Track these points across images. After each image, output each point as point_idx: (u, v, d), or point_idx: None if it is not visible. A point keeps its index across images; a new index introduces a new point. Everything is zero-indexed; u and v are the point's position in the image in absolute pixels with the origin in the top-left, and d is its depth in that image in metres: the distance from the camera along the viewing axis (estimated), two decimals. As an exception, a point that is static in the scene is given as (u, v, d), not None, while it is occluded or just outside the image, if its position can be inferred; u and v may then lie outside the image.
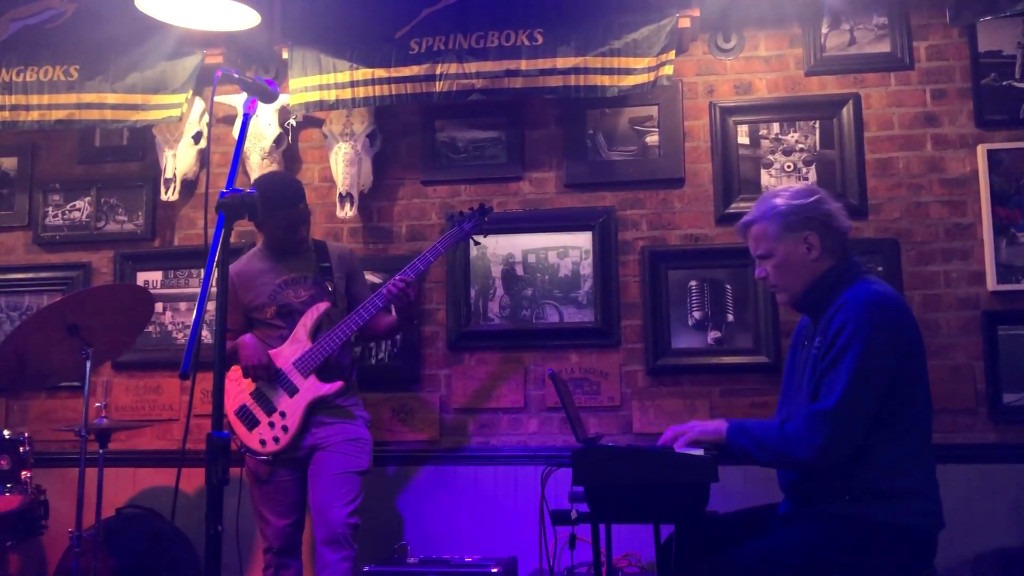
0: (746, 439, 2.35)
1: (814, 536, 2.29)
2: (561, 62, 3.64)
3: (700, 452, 2.43)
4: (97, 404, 3.57)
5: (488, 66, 3.69)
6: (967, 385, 3.57)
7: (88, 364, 3.29)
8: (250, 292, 3.29)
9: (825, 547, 2.26)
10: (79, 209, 4.22)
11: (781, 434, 2.30)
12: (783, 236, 2.42)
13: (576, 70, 3.64)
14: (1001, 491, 3.47)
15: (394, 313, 3.30)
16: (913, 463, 2.30)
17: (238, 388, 3.25)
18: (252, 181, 3.89)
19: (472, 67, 3.69)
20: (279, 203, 3.21)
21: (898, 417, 2.29)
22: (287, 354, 3.22)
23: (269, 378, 3.18)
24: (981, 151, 3.65)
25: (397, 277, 3.19)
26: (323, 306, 3.26)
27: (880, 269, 3.65)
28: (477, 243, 3.50)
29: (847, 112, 3.74)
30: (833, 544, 2.26)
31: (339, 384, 3.21)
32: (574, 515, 2.56)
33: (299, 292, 3.29)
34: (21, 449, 3.50)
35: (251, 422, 3.21)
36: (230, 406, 3.24)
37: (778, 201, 2.44)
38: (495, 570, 3.26)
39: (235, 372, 3.27)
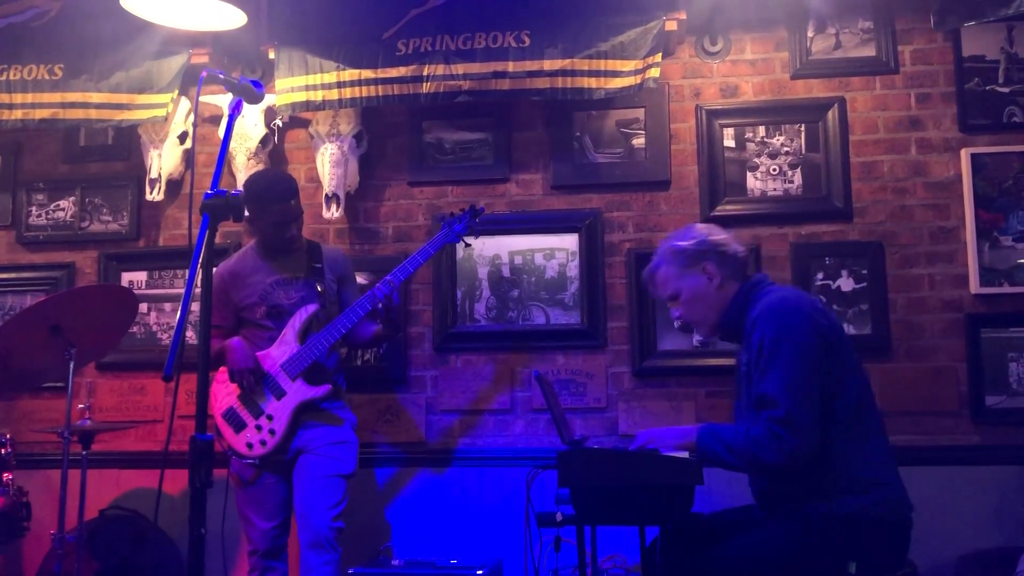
0: (717, 443, 2.40)
1: (791, 534, 2.34)
2: (548, 64, 3.64)
3: (685, 455, 2.44)
4: (80, 405, 3.54)
5: (475, 67, 3.69)
6: (950, 387, 3.60)
7: (71, 365, 3.27)
8: (241, 291, 3.27)
9: (802, 544, 2.32)
10: (63, 209, 4.19)
11: (749, 438, 2.35)
12: (684, 274, 2.58)
13: (563, 72, 3.64)
14: (983, 493, 3.50)
15: (379, 322, 3.26)
16: (869, 453, 2.37)
17: (226, 390, 3.23)
18: (244, 179, 3.88)
19: (459, 68, 3.69)
20: (269, 198, 3.19)
21: (842, 410, 2.35)
22: (275, 356, 3.20)
23: (256, 383, 3.17)
24: (965, 155, 3.67)
25: (382, 282, 3.17)
26: (312, 308, 3.24)
27: (864, 272, 3.67)
28: (468, 244, 3.48)
29: (832, 115, 3.76)
30: (809, 541, 2.32)
31: (327, 388, 3.19)
32: (559, 517, 2.57)
33: (289, 293, 3.26)
34: (3, 450, 3.48)
35: (238, 425, 3.19)
36: (217, 408, 3.22)
37: (671, 244, 2.61)
38: (480, 572, 3.26)
39: (223, 374, 3.25)
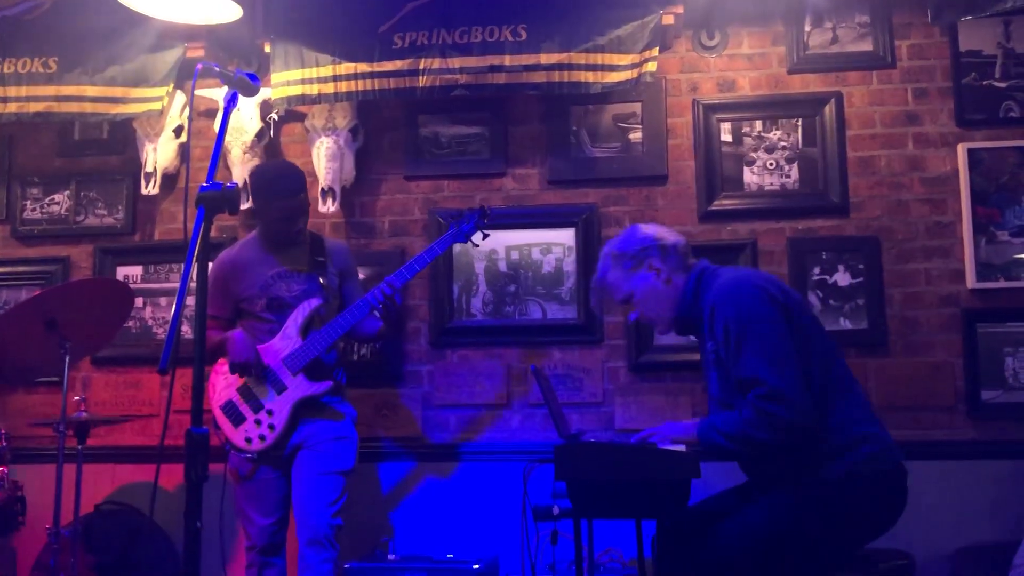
0: (715, 434, 2.42)
1: (788, 506, 2.35)
2: (545, 58, 3.64)
3: (682, 448, 2.44)
4: (75, 399, 3.53)
5: (471, 61, 3.68)
6: (946, 382, 3.60)
7: (67, 359, 3.26)
8: (241, 282, 3.22)
9: (802, 514, 2.33)
10: (58, 203, 4.18)
11: (743, 422, 2.36)
12: (631, 275, 2.63)
13: (560, 66, 3.63)
14: (979, 487, 3.50)
15: (381, 320, 3.23)
16: (849, 410, 2.39)
17: (225, 383, 3.20)
18: (240, 173, 3.87)
19: (455, 62, 3.68)
20: (277, 192, 3.15)
21: (815, 374, 2.37)
22: (276, 350, 3.16)
23: (257, 376, 3.13)
24: (961, 150, 3.67)
25: (385, 282, 3.11)
26: (315, 302, 3.20)
27: (861, 267, 3.67)
28: (476, 245, 3.41)
29: (829, 110, 3.76)
30: (809, 510, 2.33)
31: (328, 384, 3.17)
32: (556, 511, 2.57)
33: (291, 286, 3.22)
34: (-2, 445, 3.47)
35: (237, 419, 3.16)
36: (216, 400, 3.19)
37: (611, 249, 2.68)
38: (476, 567, 3.26)
39: (222, 365, 3.22)
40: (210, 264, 2.45)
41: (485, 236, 3.40)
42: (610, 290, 2.68)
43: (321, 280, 3.25)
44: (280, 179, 3.17)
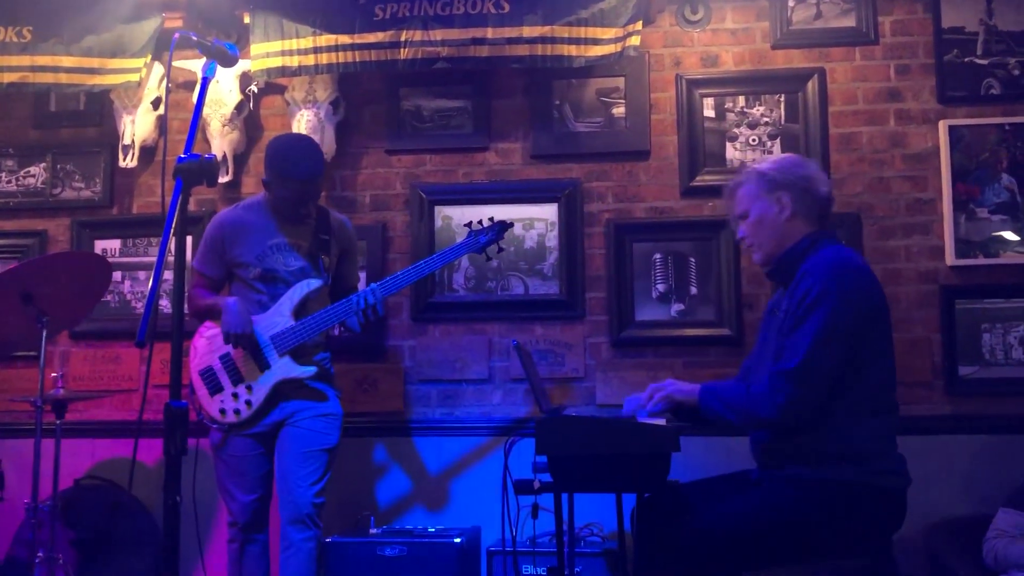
0: (716, 402, 2.42)
1: (784, 497, 2.34)
2: (528, 31, 3.61)
3: (662, 422, 2.46)
4: (53, 374, 3.50)
5: (454, 34, 3.65)
6: (924, 358, 3.63)
7: (44, 333, 3.22)
8: (237, 246, 3.13)
9: (796, 508, 2.32)
10: (34, 175, 4.12)
11: (748, 395, 2.37)
12: (759, 196, 2.52)
13: (543, 39, 3.61)
14: (955, 462, 3.55)
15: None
16: (877, 426, 2.37)
17: (208, 347, 3.13)
18: (219, 145, 3.82)
19: (437, 35, 3.65)
20: (293, 174, 3.02)
21: (863, 381, 2.34)
22: (267, 324, 3.09)
23: (248, 349, 3.06)
24: (943, 127, 3.68)
25: (369, 290, 3.07)
26: (315, 284, 3.12)
27: (842, 243, 3.67)
28: (490, 258, 3.33)
29: (812, 86, 3.76)
30: (803, 505, 2.32)
31: (313, 370, 3.11)
32: (537, 485, 2.57)
33: (288, 261, 3.14)
34: (-25, 420, 3.44)
35: (215, 387, 3.10)
36: (196, 364, 3.13)
37: (761, 166, 2.57)
38: (458, 540, 3.28)
39: (208, 328, 3.16)
40: (188, 236, 2.43)
41: (500, 251, 3.33)
42: (737, 199, 2.57)
43: (324, 260, 3.18)
44: (299, 162, 3.04)
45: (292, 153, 3.07)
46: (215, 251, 3.16)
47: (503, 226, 3.30)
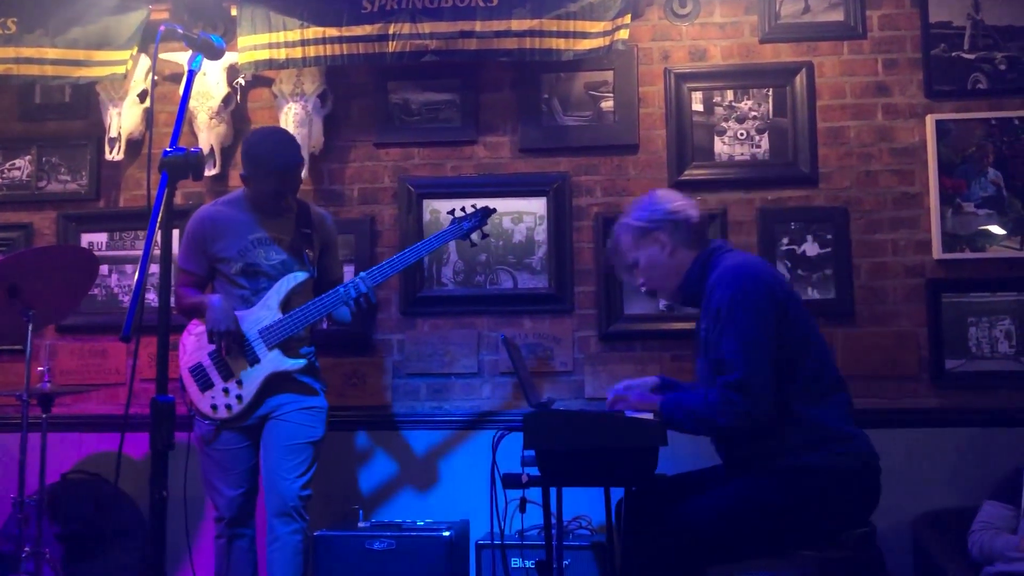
0: (678, 411, 2.46)
1: (761, 488, 2.38)
2: (516, 24, 3.60)
3: (649, 416, 2.46)
4: (40, 368, 3.49)
5: (442, 27, 3.64)
6: (911, 352, 3.65)
7: (30, 327, 3.21)
8: (219, 241, 3.13)
9: (773, 497, 2.36)
10: (19, 168, 4.09)
11: (707, 404, 2.40)
12: (638, 244, 2.63)
13: (531, 32, 3.60)
14: (941, 454, 3.57)
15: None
16: (830, 411, 2.42)
17: (197, 344, 3.13)
18: (206, 138, 3.80)
19: (426, 27, 3.64)
20: (271, 167, 3.04)
21: (800, 368, 2.41)
22: (254, 319, 3.09)
23: (234, 346, 3.05)
24: (930, 121, 3.70)
25: (359, 278, 3.08)
26: (301, 277, 3.13)
27: (829, 237, 3.70)
28: (474, 244, 3.38)
29: (800, 80, 3.76)
30: (780, 493, 2.36)
31: (303, 362, 3.11)
32: (525, 479, 2.57)
33: (271, 254, 3.14)
34: (-40, 414, 3.42)
35: (205, 383, 3.10)
36: (185, 361, 3.13)
37: (628, 218, 2.67)
38: (447, 533, 3.28)
39: (196, 326, 3.16)
40: (175, 230, 2.42)
41: (484, 236, 3.37)
42: (620, 255, 2.69)
43: (308, 253, 3.18)
44: (275, 154, 3.06)
45: (267, 145, 3.09)
46: (197, 247, 3.16)
47: (486, 211, 3.34)
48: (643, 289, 2.71)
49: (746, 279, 2.43)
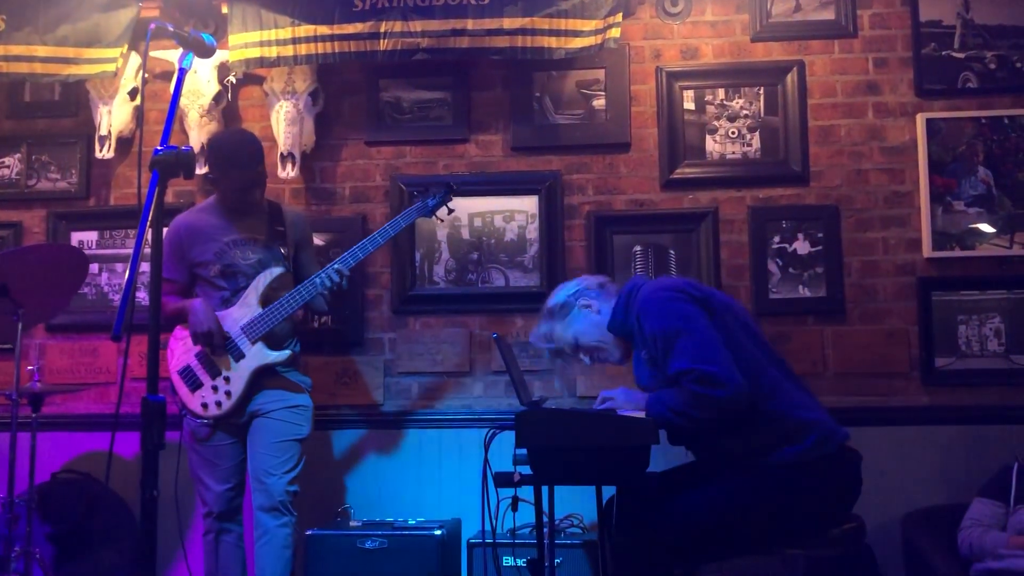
0: (664, 408, 2.47)
1: (748, 483, 2.42)
2: (508, 22, 3.60)
3: (641, 414, 2.47)
4: (29, 367, 3.47)
5: (434, 25, 3.63)
6: (901, 349, 3.66)
7: (20, 326, 3.20)
8: (196, 247, 3.20)
9: (760, 492, 2.40)
10: (8, 166, 4.07)
11: (683, 399, 2.43)
12: (570, 322, 2.77)
13: (523, 31, 3.60)
14: (931, 452, 3.58)
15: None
16: (785, 399, 2.47)
17: (184, 348, 3.19)
18: (197, 137, 3.80)
19: (417, 26, 3.63)
20: (234, 163, 3.13)
21: (744, 368, 2.44)
22: (235, 317, 3.15)
23: (218, 345, 3.11)
24: (920, 120, 3.71)
25: (332, 268, 3.14)
26: (276, 271, 3.19)
27: (820, 235, 3.71)
28: (441, 220, 3.47)
29: (791, 79, 3.77)
30: (766, 488, 2.40)
31: (286, 353, 3.18)
32: (517, 477, 2.57)
33: (247, 254, 3.20)
34: (-50, 413, 3.40)
35: (194, 384, 3.15)
36: (173, 365, 3.19)
37: (547, 305, 2.85)
38: (439, 532, 3.28)
39: (181, 331, 3.21)
40: (165, 229, 2.41)
41: (450, 212, 3.43)
42: (559, 344, 2.80)
43: (283, 250, 3.24)
44: (237, 150, 3.14)
45: (231, 145, 3.19)
46: (176, 254, 3.21)
47: (448, 188, 3.43)
48: (589, 361, 2.81)
49: (664, 299, 2.53)
